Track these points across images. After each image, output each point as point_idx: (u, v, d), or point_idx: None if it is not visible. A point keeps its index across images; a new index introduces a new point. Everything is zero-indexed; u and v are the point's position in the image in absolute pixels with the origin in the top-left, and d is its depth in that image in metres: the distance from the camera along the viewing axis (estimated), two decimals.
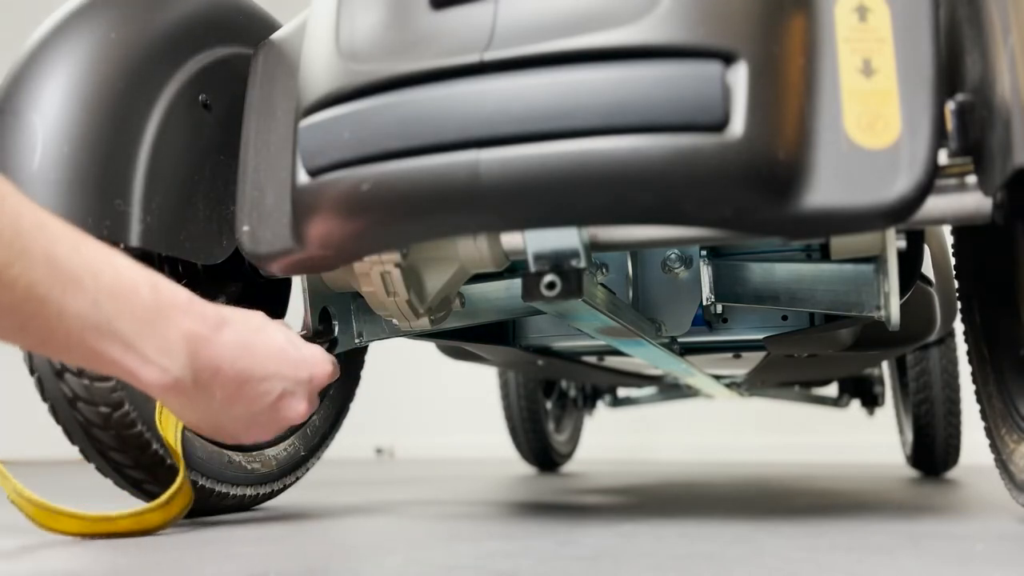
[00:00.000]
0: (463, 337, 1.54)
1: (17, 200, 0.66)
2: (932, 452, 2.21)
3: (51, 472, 2.88)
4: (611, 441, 3.76)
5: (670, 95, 0.84)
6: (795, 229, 0.89)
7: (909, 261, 1.18)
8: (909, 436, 2.33)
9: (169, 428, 1.15)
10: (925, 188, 0.86)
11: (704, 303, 1.32)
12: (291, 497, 1.61)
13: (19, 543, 1.03)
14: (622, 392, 2.85)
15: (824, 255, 1.32)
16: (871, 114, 0.87)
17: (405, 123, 0.90)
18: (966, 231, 1.27)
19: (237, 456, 1.32)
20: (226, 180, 1.25)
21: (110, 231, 1.07)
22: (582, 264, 1.01)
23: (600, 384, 2.77)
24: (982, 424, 1.26)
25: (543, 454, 2.74)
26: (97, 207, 1.06)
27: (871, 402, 2.47)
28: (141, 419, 1.14)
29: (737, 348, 1.62)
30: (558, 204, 0.88)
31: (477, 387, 3.83)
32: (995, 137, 0.86)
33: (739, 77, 0.85)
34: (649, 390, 2.72)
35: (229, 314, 0.86)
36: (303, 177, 1.01)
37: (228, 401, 0.85)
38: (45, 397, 1.13)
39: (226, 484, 1.28)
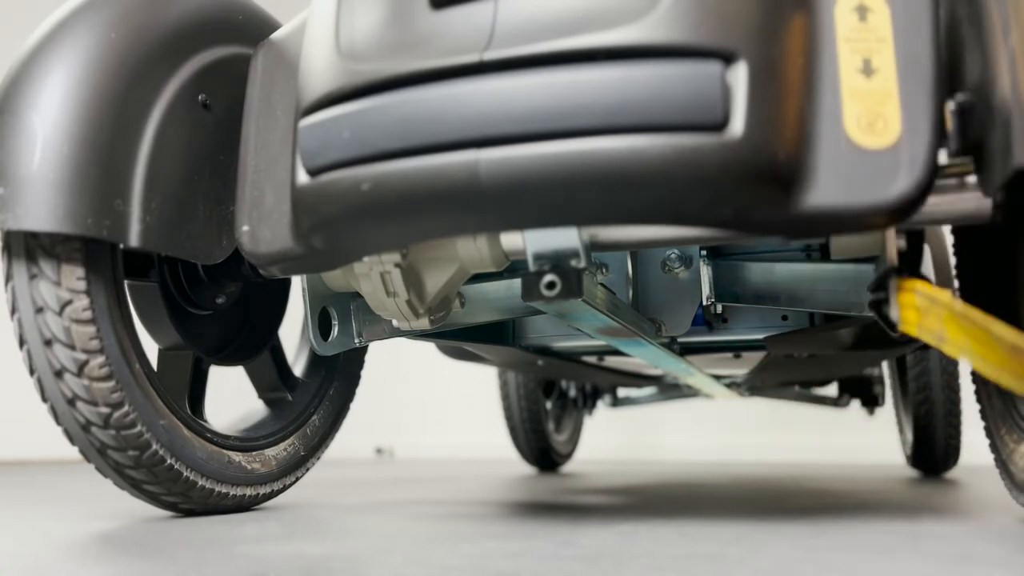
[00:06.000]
0: (463, 337, 1.54)
1: None
2: (932, 452, 2.21)
3: (51, 472, 2.88)
4: (611, 441, 3.76)
5: (670, 95, 0.84)
6: (795, 229, 0.89)
7: (909, 261, 1.18)
8: (909, 436, 2.33)
9: None
10: (925, 188, 0.86)
11: (704, 303, 1.32)
12: (291, 497, 1.61)
13: (21, 544, 1.02)
14: (622, 392, 2.85)
15: (824, 255, 1.32)
16: (871, 114, 0.87)
17: (405, 123, 0.90)
18: (966, 231, 1.27)
19: (237, 456, 1.32)
20: (226, 180, 1.25)
21: (110, 231, 1.07)
22: (582, 264, 1.01)
23: (600, 384, 2.77)
24: (982, 424, 1.26)
25: (543, 454, 2.74)
26: (97, 207, 1.06)
27: (871, 402, 2.47)
28: (141, 419, 1.14)
29: (737, 348, 1.62)
30: (558, 204, 0.88)
31: (477, 387, 3.83)
32: (995, 137, 0.86)
33: (739, 77, 0.85)
34: (649, 390, 2.72)
35: None
36: (303, 177, 1.01)
37: None
38: (45, 397, 1.13)
39: (226, 484, 1.28)
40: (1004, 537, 0.99)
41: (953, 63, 0.98)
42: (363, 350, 1.58)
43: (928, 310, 0.94)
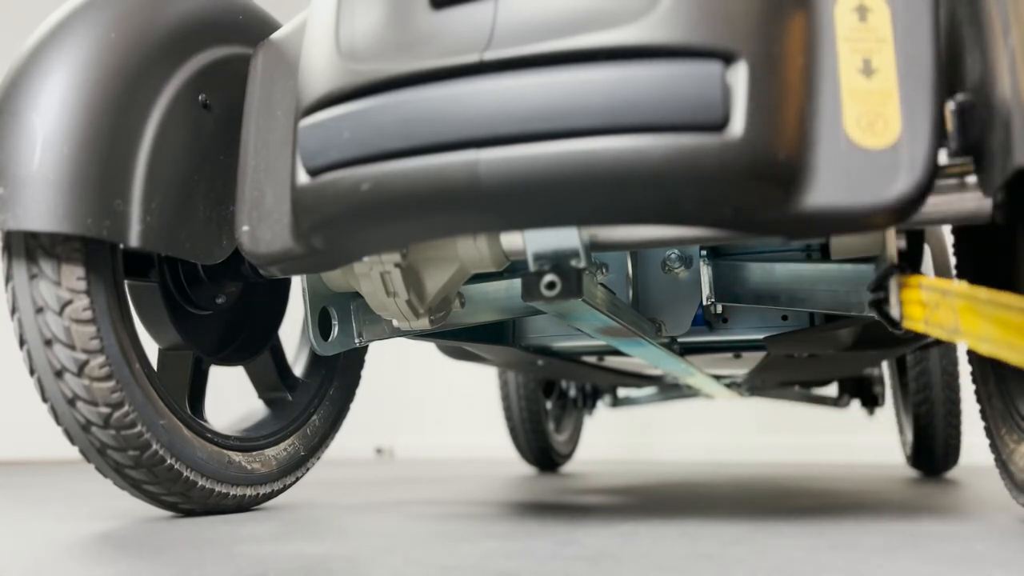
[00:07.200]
0: (463, 337, 1.54)
1: None
2: (932, 452, 2.21)
3: (51, 472, 2.88)
4: (611, 441, 3.76)
5: (670, 95, 0.84)
6: (795, 229, 0.89)
7: (909, 261, 1.18)
8: (909, 436, 2.33)
9: None
10: (925, 188, 0.86)
11: (704, 303, 1.32)
12: (291, 497, 1.61)
13: (21, 544, 1.03)
14: (622, 392, 2.85)
15: (824, 255, 1.32)
16: (871, 114, 0.87)
17: (405, 123, 0.90)
18: (966, 231, 1.27)
19: (237, 456, 1.32)
20: (226, 180, 1.25)
21: (110, 231, 1.07)
22: (582, 264, 1.01)
23: (600, 384, 2.77)
24: (982, 424, 1.26)
25: (543, 454, 2.74)
26: (97, 207, 1.06)
27: (871, 402, 2.47)
28: (141, 419, 1.14)
29: (737, 348, 1.62)
30: (558, 204, 0.88)
31: (477, 387, 3.83)
32: (995, 137, 0.86)
33: (739, 77, 0.85)
34: (649, 390, 2.73)
35: None
36: (303, 177, 1.01)
37: None
38: (45, 397, 1.13)
39: (226, 484, 1.28)
40: (1004, 537, 0.99)
41: (953, 63, 0.98)
42: (363, 350, 1.58)
43: (939, 303, 0.93)
